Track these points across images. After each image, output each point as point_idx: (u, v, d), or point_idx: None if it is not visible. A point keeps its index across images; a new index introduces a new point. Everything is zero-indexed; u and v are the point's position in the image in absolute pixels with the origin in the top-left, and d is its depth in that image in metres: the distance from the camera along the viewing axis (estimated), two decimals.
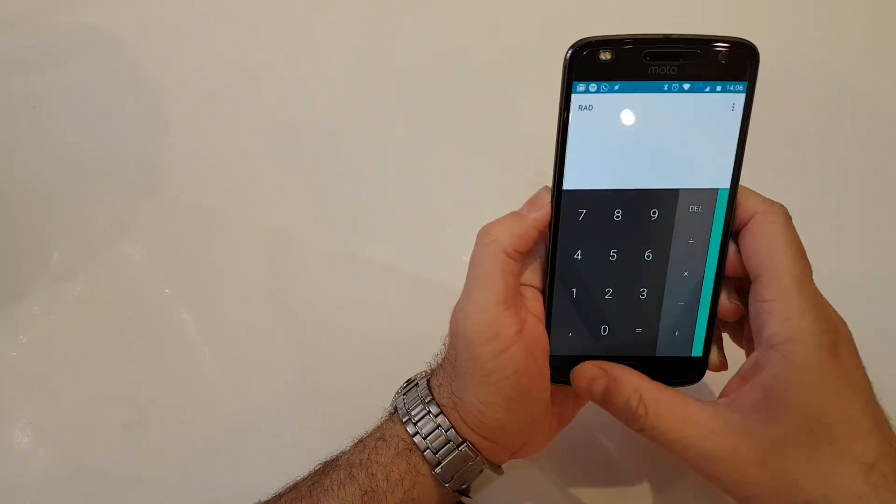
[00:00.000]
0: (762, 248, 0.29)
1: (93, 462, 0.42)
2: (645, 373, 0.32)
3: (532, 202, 0.31)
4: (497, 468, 0.33)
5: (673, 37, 0.28)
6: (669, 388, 0.31)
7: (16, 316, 0.46)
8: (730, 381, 0.30)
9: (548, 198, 0.31)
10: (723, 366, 0.32)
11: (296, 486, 0.33)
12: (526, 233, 0.31)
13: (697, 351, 0.32)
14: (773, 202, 0.30)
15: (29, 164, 0.51)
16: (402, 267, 0.46)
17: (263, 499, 0.34)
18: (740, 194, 0.30)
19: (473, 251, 0.31)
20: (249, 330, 0.46)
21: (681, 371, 0.32)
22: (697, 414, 0.29)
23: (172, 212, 0.49)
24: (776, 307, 0.27)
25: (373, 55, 0.53)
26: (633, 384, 0.30)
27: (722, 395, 0.30)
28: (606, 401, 0.31)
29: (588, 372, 0.31)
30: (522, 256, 0.31)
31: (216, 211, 0.49)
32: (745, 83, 0.28)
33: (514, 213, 0.32)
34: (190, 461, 0.42)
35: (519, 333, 0.30)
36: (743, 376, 0.29)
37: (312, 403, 0.43)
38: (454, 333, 0.32)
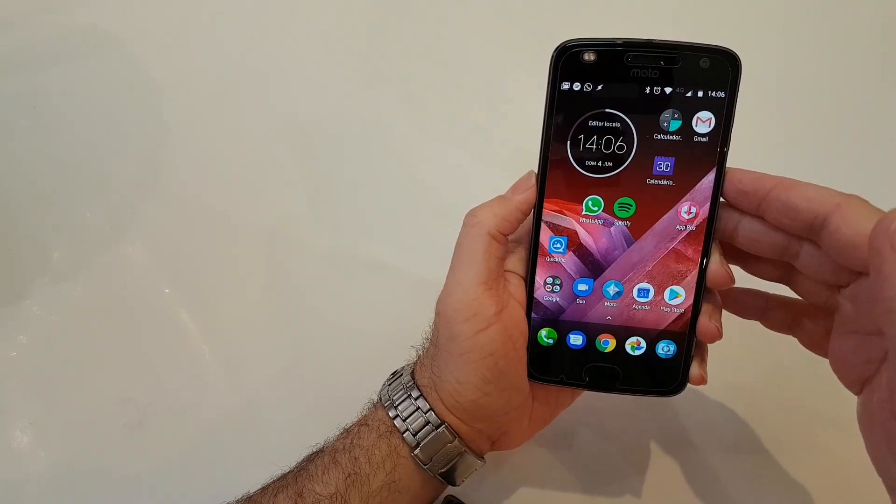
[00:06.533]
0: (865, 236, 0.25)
1: (93, 462, 0.42)
2: (625, 378, 0.32)
3: (517, 186, 0.32)
4: (479, 456, 0.34)
5: (655, 42, 0.29)
6: None
7: (16, 316, 0.46)
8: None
9: (532, 181, 0.31)
10: (702, 379, 0.32)
11: (282, 477, 0.34)
12: (510, 214, 0.31)
13: (679, 361, 0.32)
14: (845, 193, 0.27)
15: (29, 164, 0.51)
16: (402, 267, 0.46)
17: (252, 489, 0.34)
18: (807, 188, 0.28)
19: (459, 233, 0.32)
20: (249, 330, 0.46)
21: (662, 380, 0.32)
22: None
23: (172, 212, 0.49)
24: None
25: (372, 55, 0.53)
26: None
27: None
28: None
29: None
30: (507, 239, 0.32)
31: (216, 211, 0.49)
32: (726, 91, 0.29)
33: (499, 197, 0.32)
34: (189, 461, 0.42)
35: (498, 315, 0.31)
36: None
37: (314, 404, 0.43)
38: (437, 312, 0.32)
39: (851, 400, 0.29)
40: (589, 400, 0.36)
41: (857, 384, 0.29)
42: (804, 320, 0.32)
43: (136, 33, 0.54)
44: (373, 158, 0.50)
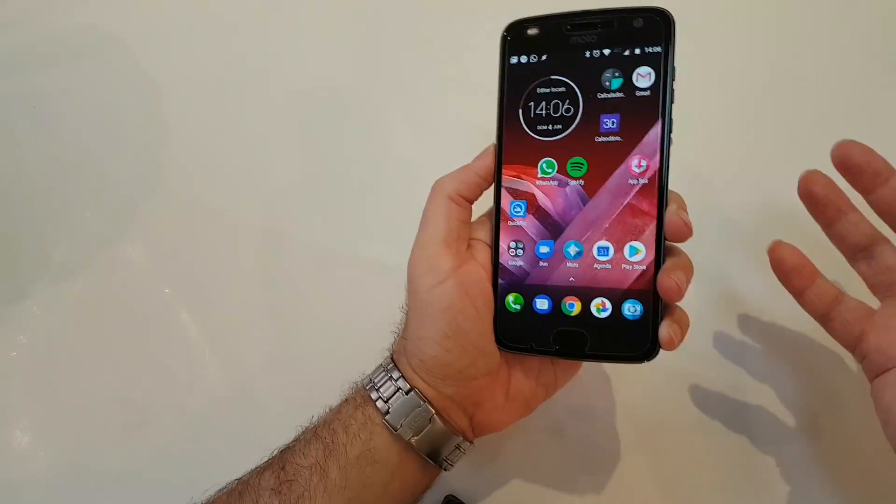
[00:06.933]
0: None
1: (93, 462, 0.42)
2: (593, 342, 0.32)
3: (478, 156, 0.34)
4: (458, 433, 0.33)
5: (591, 10, 0.31)
6: None
7: (16, 316, 0.46)
8: None
9: (492, 149, 0.33)
10: (671, 342, 0.30)
11: (270, 456, 0.35)
12: (468, 178, 0.33)
13: (647, 322, 0.31)
14: None
15: (29, 164, 0.51)
16: (403, 267, 0.46)
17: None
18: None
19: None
20: (249, 330, 0.46)
21: (631, 344, 0.31)
22: None
23: (172, 212, 0.49)
24: None
25: (374, 57, 0.53)
26: None
27: None
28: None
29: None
30: (467, 203, 0.34)
31: (216, 211, 0.49)
32: (661, 45, 0.30)
33: (463, 166, 0.34)
34: (189, 460, 0.42)
35: (455, 270, 0.32)
36: None
37: (314, 403, 0.43)
38: (407, 277, 0.34)
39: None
40: (582, 389, 0.36)
41: None
42: (846, 298, 0.33)
43: (136, 33, 0.54)
44: (373, 158, 0.50)
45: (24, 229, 0.49)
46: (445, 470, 0.34)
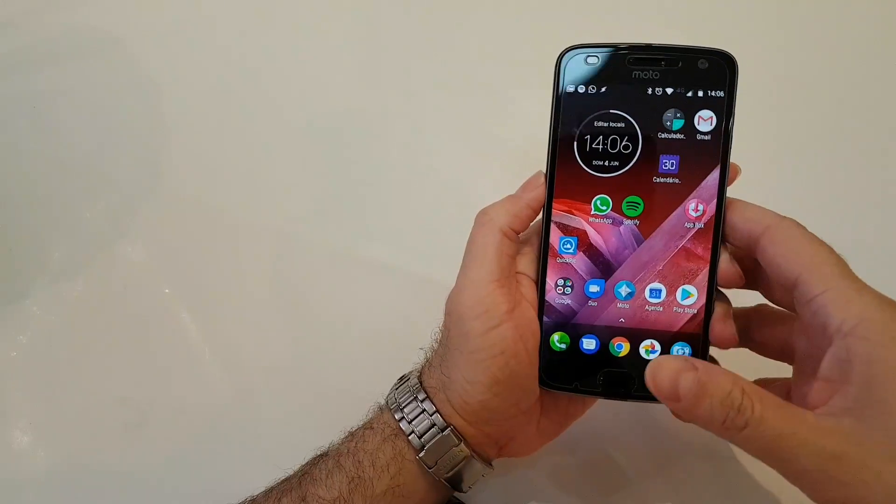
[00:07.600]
0: (791, 250, 0.27)
1: (93, 462, 0.42)
2: (640, 384, 0.31)
3: (526, 185, 0.32)
4: (486, 463, 0.33)
5: (654, 45, 0.30)
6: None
7: (16, 316, 0.46)
8: (811, 391, 0.27)
9: (541, 180, 0.32)
10: None
11: (287, 480, 0.34)
12: (521, 212, 0.32)
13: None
14: (783, 215, 0.29)
15: (29, 164, 0.51)
16: (405, 267, 0.46)
17: (255, 491, 0.34)
18: (746, 209, 0.30)
19: (471, 232, 0.32)
20: (249, 330, 0.46)
21: None
22: (803, 413, 0.25)
23: (172, 212, 0.49)
24: (831, 296, 0.26)
25: (374, 57, 0.53)
26: (731, 376, 0.26)
27: (809, 406, 0.26)
28: (698, 400, 0.25)
29: (670, 365, 0.27)
30: (518, 237, 0.32)
31: (216, 211, 0.49)
32: (724, 90, 0.30)
33: (509, 196, 0.32)
34: (190, 461, 0.42)
35: (510, 313, 0.30)
36: (826, 380, 0.26)
37: (314, 404, 0.43)
38: (448, 311, 0.32)
39: None
40: (595, 405, 0.36)
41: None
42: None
43: (136, 33, 0.54)
44: (376, 158, 0.50)
45: (24, 229, 0.49)
46: (464, 493, 0.34)
